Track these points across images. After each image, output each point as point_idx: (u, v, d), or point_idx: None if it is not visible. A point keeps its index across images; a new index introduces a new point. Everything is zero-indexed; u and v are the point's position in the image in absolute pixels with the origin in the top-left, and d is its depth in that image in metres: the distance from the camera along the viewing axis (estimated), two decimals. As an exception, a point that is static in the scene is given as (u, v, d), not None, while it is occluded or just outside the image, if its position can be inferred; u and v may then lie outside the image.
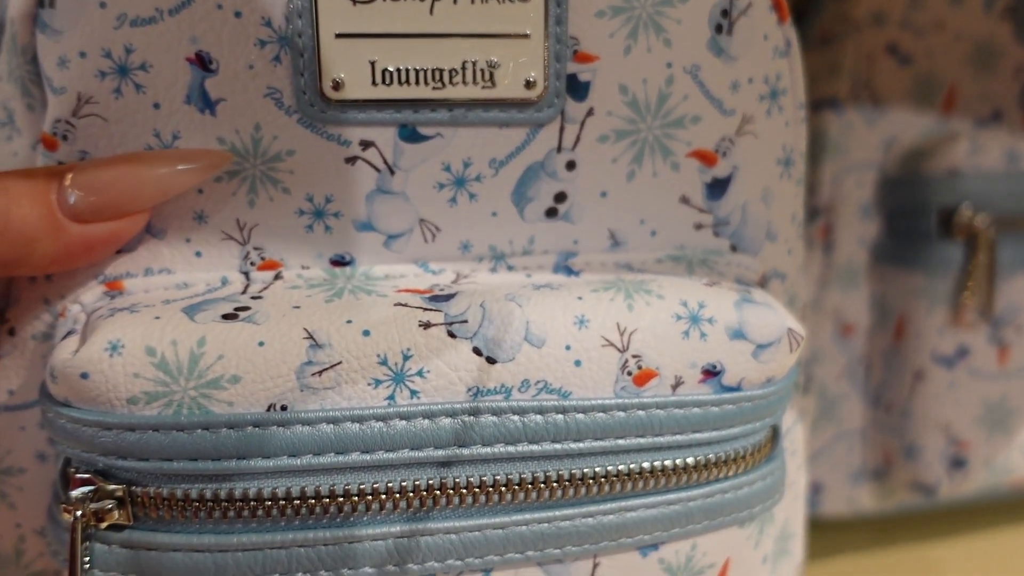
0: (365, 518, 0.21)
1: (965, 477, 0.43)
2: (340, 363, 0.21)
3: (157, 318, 0.21)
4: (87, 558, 0.21)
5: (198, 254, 0.23)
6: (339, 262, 0.24)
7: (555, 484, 0.22)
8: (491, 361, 0.22)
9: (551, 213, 0.24)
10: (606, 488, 0.23)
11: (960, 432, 0.42)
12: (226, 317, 0.21)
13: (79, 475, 0.21)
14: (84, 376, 0.20)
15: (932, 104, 0.41)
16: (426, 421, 0.21)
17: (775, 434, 0.26)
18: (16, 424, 0.24)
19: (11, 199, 0.21)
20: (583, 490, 0.23)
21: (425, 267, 0.24)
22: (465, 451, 0.22)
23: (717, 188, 0.25)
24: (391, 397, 0.21)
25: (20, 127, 0.23)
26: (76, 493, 0.21)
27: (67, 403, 0.21)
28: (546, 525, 0.23)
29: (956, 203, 0.40)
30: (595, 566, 0.24)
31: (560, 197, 0.24)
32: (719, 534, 0.25)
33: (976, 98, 0.42)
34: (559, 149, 0.24)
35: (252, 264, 0.24)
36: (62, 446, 0.21)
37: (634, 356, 0.22)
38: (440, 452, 0.21)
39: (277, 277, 0.24)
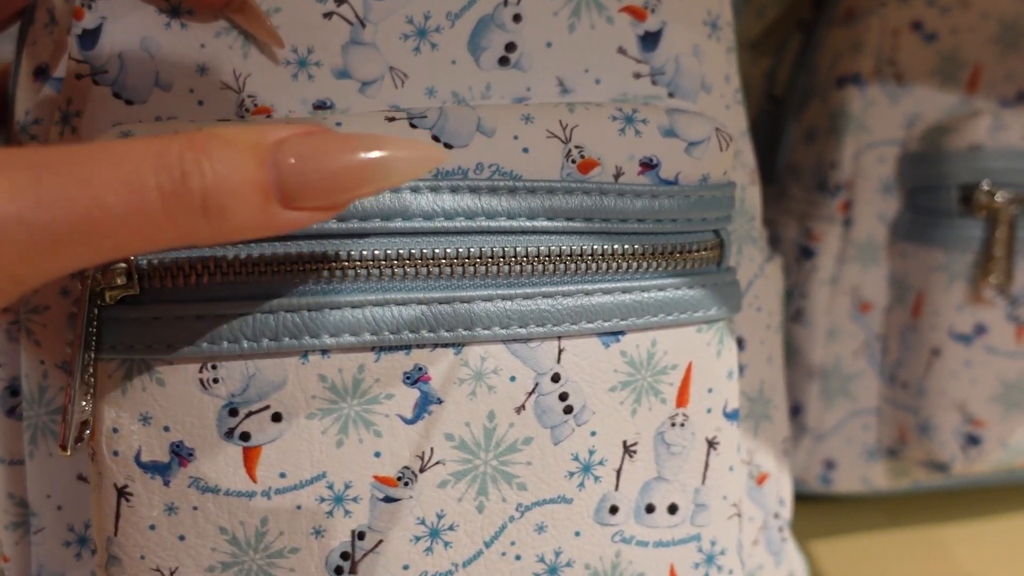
0: (343, 285, 0.24)
1: (979, 455, 0.43)
2: (316, 145, 0.24)
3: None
4: (96, 333, 0.24)
5: (200, 103, 0.27)
6: (321, 106, 0.27)
7: (512, 260, 0.25)
8: (448, 146, 0.25)
9: (503, 62, 0.28)
10: (561, 267, 0.25)
11: (976, 410, 0.42)
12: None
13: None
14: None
15: (956, 83, 0.42)
16: (392, 195, 0.24)
17: (722, 246, 0.28)
18: (44, 265, 0.27)
19: (219, 179, 0.18)
20: (540, 267, 0.25)
21: (396, 109, 0.28)
22: (428, 223, 0.24)
23: (649, 40, 0.29)
24: (361, 174, 0.24)
25: (59, 20, 0.28)
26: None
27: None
28: (509, 303, 0.25)
29: (977, 180, 0.40)
30: (560, 351, 0.26)
31: (510, 47, 0.28)
32: (676, 332, 0.27)
33: (1001, 78, 0.43)
34: (505, 3, 0.28)
35: (247, 111, 0.27)
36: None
37: (576, 147, 0.26)
38: (406, 223, 0.24)
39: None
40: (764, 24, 0.49)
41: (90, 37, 0.26)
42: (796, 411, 0.46)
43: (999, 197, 0.40)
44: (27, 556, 0.29)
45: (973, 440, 0.42)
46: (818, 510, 0.47)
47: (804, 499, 0.47)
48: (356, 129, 0.25)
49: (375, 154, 0.20)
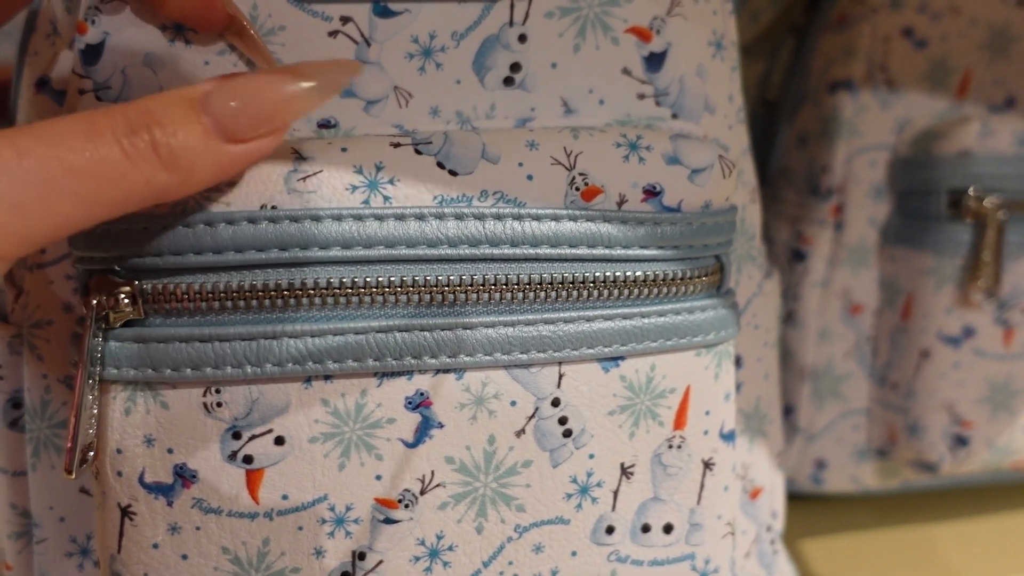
0: (347, 311, 0.24)
1: (967, 456, 0.43)
2: (321, 171, 0.24)
3: None
4: (100, 356, 0.24)
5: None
6: (325, 125, 0.27)
7: (515, 287, 0.25)
8: (453, 174, 0.25)
9: (508, 82, 0.28)
10: (563, 294, 0.26)
11: (964, 411, 0.43)
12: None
13: (96, 276, 0.24)
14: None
15: (946, 88, 0.43)
16: (397, 222, 0.24)
17: (722, 271, 0.28)
18: (45, 280, 0.27)
19: (165, 130, 0.21)
20: (542, 294, 0.25)
21: (401, 128, 0.28)
22: (432, 251, 0.25)
23: (654, 61, 0.29)
24: (366, 201, 0.24)
25: (61, 31, 0.28)
26: (94, 288, 0.24)
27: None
28: (511, 329, 0.25)
29: (966, 185, 0.41)
30: (560, 376, 0.26)
31: (515, 67, 0.28)
32: (675, 357, 0.27)
33: (991, 84, 0.43)
34: (511, 23, 0.28)
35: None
36: (83, 259, 0.24)
37: (580, 174, 0.26)
38: (410, 251, 0.24)
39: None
40: (758, 29, 0.49)
41: (93, 52, 0.26)
42: (787, 412, 0.46)
43: (987, 202, 0.41)
44: (30, 565, 0.29)
45: (961, 441, 0.43)
46: (809, 510, 0.48)
47: (795, 499, 0.48)
48: (363, 156, 0.25)
49: (293, 86, 0.23)
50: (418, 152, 0.25)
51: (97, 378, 0.24)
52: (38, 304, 0.27)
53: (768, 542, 0.34)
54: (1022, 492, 0.51)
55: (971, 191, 0.41)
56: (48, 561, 0.29)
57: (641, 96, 0.29)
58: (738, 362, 0.33)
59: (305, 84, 0.23)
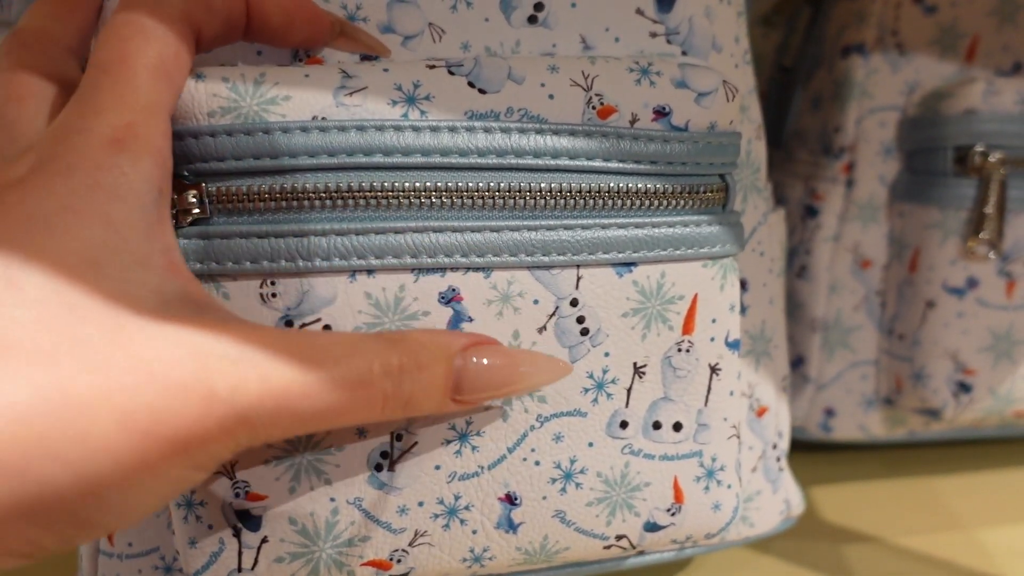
0: (387, 213, 0.27)
1: (970, 403, 0.45)
2: (366, 88, 0.27)
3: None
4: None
5: (259, 53, 0.30)
6: (367, 59, 0.30)
7: (538, 194, 0.28)
8: (482, 92, 0.28)
9: (532, 20, 0.31)
10: (581, 203, 0.28)
11: (967, 359, 0.45)
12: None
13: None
14: (175, 95, 0.27)
15: (955, 53, 0.45)
16: (432, 133, 0.27)
17: (727, 191, 0.31)
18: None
19: (422, 382, 0.24)
20: (562, 202, 0.28)
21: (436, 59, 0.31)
22: (463, 159, 0.27)
23: (665, 2, 0.32)
24: (405, 115, 0.27)
25: None
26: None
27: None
28: (534, 233, 0.28)
29: (971, 142, 0.43)
30: (579, 279, 0.29)
31: (538, 7, 0.31)
32: (684, 266, 0.30)
33: (998, 49, 0.45)
34: None
35: (300, 60, 0.30)
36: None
37: (597, 95, 0.29)
38: (443, 159, 0.27)
39: (320, 68, 0.30)
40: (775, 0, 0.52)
41: None
42: (799, 362, 0.48)
43: (992, 158, 0.43)
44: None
45: (964, 388, 0.45)
46: (818, 459, 0.50)
47: (805, 447, 0.50)
48: (402, 75, 0.28)
49: (525, 369, 0.26)
50: (451, 73, 0.28)
51: (167, 271, 0.27)
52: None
53: (774, 459, 0.37)
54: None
55: (977, 147, 0.43)
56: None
57: (653, 35, 0.32)
58: (744, 285, 0.35)
59: (530, 371, 0.26)
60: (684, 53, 0.32)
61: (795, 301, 0.48)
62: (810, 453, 0.50)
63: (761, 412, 0.36)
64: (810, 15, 0.49)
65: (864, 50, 0.45)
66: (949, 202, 0.44)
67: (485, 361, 0.25)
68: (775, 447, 0.37)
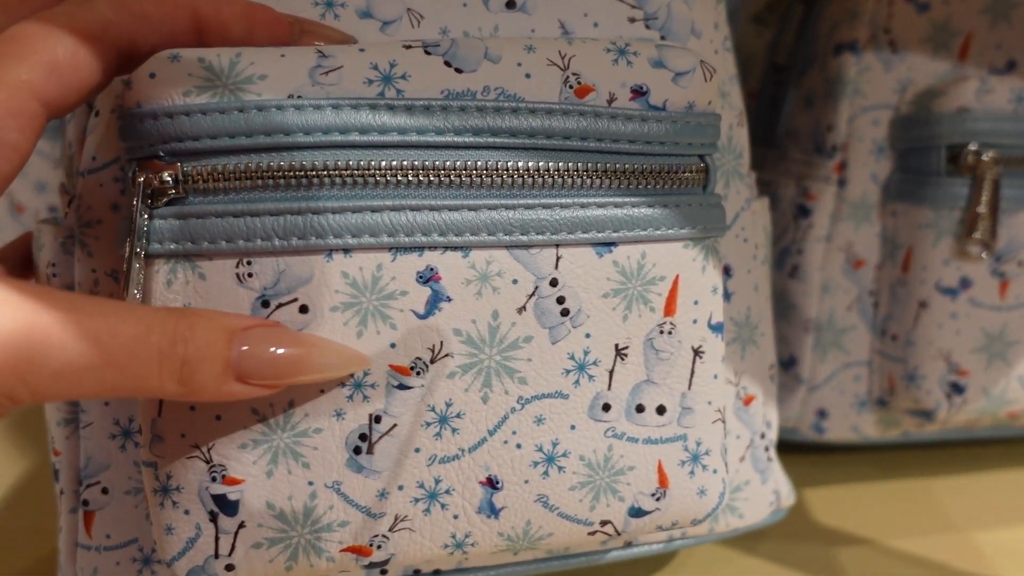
0: (364, 191, 0.27)
1: (963, 403, 0.45)
2: (342, 67, 0.27)
3: None
4: (146, 232, 0.27)
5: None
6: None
7: (516, 172, 0.28)
8: (459, 71, 0.28)
9: (510, 5, 0.31)
10: (559, 181, 0.28)
11: (960, 360, 0.45)
12: (257, 47, 0.28)
13: (143, 161, 0.27)
14: (151, 76, 0.27)
15: (948, 51, 0.45)
16: (407, 111, 0.27)
17: (707, 172, 0.31)
18: (96, 183, 0.30)
19: (198, 352, 0.24)
20: (540, 180, 0.28)
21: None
22: (439, 138, 0.27)
23: (643, -12, 0.32)
24: (381, 93, 0.27)
25: None
26: (141, 170, 0.27)
27: (138, 105, 0.27)
28: (512, 212, 0.28)
29: (964, 141, 0.43)
30: (558, 258, 0.29)
31: (516, -9, 0.31)
32: (664, 247, 0.30)
33: (992, 48, 0.45)
34: None
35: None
36: (131, 148, 0.27)
37: (574, 74, 0.29)
38: (420, 137, 0.27)
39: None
40: (769, -3, 0.52)
41: None
42: (791, 363, 0.48)
43: (985, 157, 0.43)
44: (76, 449, 0.32)
45: (957, 388, 0.45)
46: (811, 460, 0.50)
47: (797, 448, 0.49)
48: (378, 55, 0.28)
49: (315, 357, 0.26)
50: (427, 53, 0.28)
51: (143, 252, 0.27)
52: (88, 205, 0.30)
53: (762, 448, 0.36)
54: (1020, 446, 0.52)
55: (970, 146, 0.43)
56: (93, 444, 0.31)
57: (632, 20, 0.32)
58: (728, 272, 0.35)
59: (322, 361, 0.26)
60: (663, 38, 0.32)
61: (787, 301, 0.48)
62: (803, 454, 0.49)
63: (748, 400, 0.36)
64: (803, 13, 0.49)
65: (857, 48, 0.45)
66: (942, 201, 0.43)
67: (272, 347, 0.25)
68: (763, 436, 0.37)
